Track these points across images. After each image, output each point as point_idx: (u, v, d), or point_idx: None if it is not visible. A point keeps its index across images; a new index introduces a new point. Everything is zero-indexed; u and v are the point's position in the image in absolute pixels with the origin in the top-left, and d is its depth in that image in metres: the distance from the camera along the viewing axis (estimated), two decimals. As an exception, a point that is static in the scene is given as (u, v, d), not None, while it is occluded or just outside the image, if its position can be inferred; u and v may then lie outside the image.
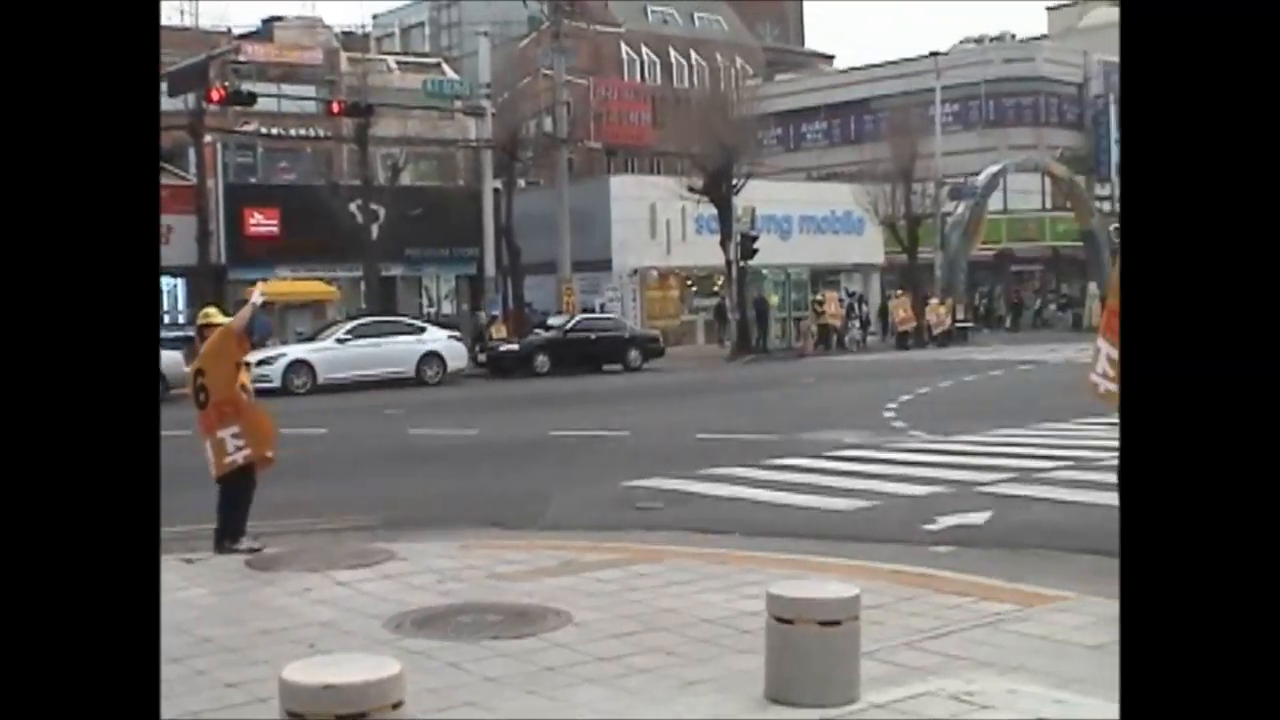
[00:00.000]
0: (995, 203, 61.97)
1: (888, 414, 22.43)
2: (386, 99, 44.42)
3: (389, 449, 19.59)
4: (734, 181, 45.90)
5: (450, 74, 56.57)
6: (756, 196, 47.94)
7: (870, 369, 37.65)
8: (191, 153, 41.40)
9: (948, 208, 56.65)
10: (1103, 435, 16.35)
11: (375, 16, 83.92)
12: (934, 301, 51.81)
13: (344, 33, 60.61)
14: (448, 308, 48.70)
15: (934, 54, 61.93)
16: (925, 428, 19.96)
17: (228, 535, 10.73)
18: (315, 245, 41.85)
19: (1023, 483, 13.91)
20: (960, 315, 54.08)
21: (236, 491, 10.79)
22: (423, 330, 36.63)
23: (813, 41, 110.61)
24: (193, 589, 9.33)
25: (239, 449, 10.68)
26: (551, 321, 41.89)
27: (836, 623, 5.99)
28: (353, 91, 44.33)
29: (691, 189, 46.25)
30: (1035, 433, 18.70)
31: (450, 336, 37.10)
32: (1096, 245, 57.23)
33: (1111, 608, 7.77)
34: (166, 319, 40.07)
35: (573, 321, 40.98)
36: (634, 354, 40.50)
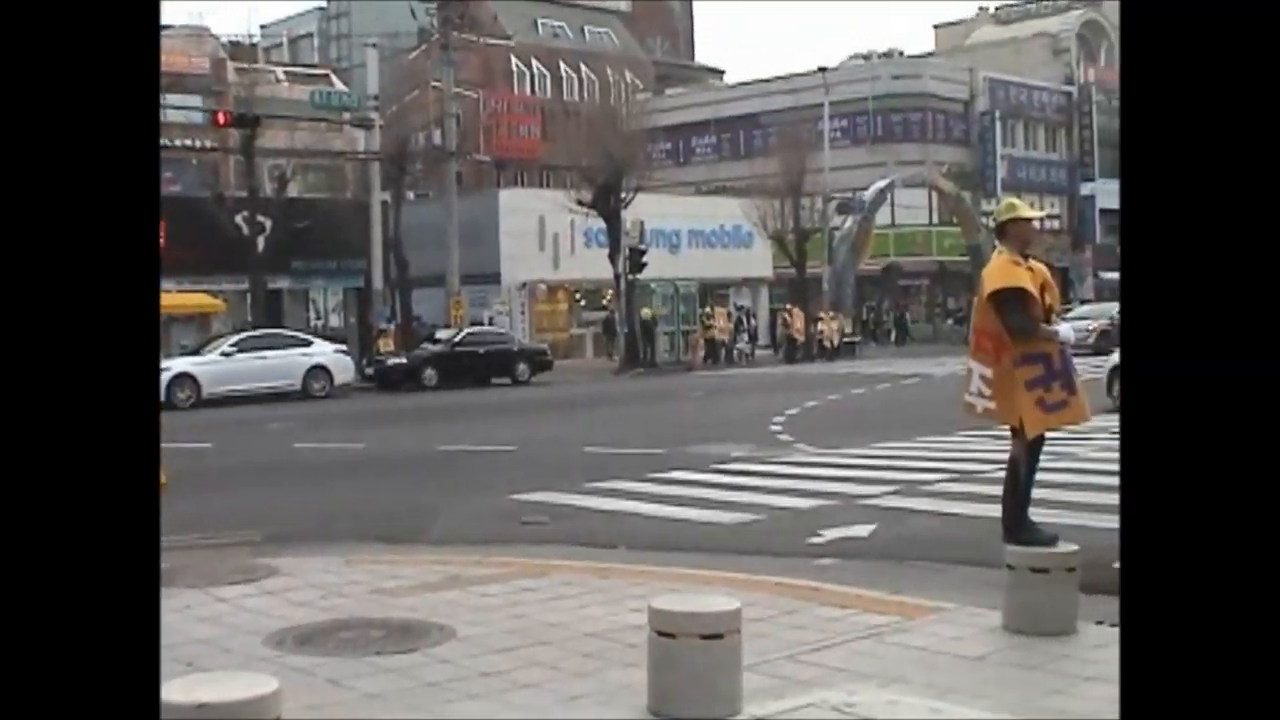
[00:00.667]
0: (883, 217, 62.71)
1: (774, 427, 22.55)
2: (274, 110, 44.01)
3: (274, 463, 19.41)
4: (623, 195, 46.02)
5: (338, 85, 56.25)
6: (646, 210, 48.11)
7: (758, 382, 37.85)
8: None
9: (836, 222, 57.21)
10: (984, 448, 16.56)
11: (263, 26, 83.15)
12: (822, 315, 52.21)
13: (231, 42, 60.06)
14: (335, 321, 48.36)
15: (822, 70, 62.59)
16: (811, 441, 20.09)
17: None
18: (200, 257, 41.29)
19: (906, 495, 14.03)
20: (848, 329, 54.54)
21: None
22: (309, 343, 36.37)
23: (703, 56, 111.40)
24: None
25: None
26: (440, 335, 41.76)
27: (719, 636, 6.00)
28: (239, 102, 43.94)
29: (580, 202, 46.29)
30: (919, 446, 18.88)
31: (337, 350, 36.88)
32: (982, 260, 57.76)
33: (991, 618, 7.87)
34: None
35: (461, 335, 40.87)
36: (522, 367, 40.46)
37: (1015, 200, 9.07)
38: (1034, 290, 8.21)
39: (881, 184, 58.70)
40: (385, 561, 10.85)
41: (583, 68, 79.82)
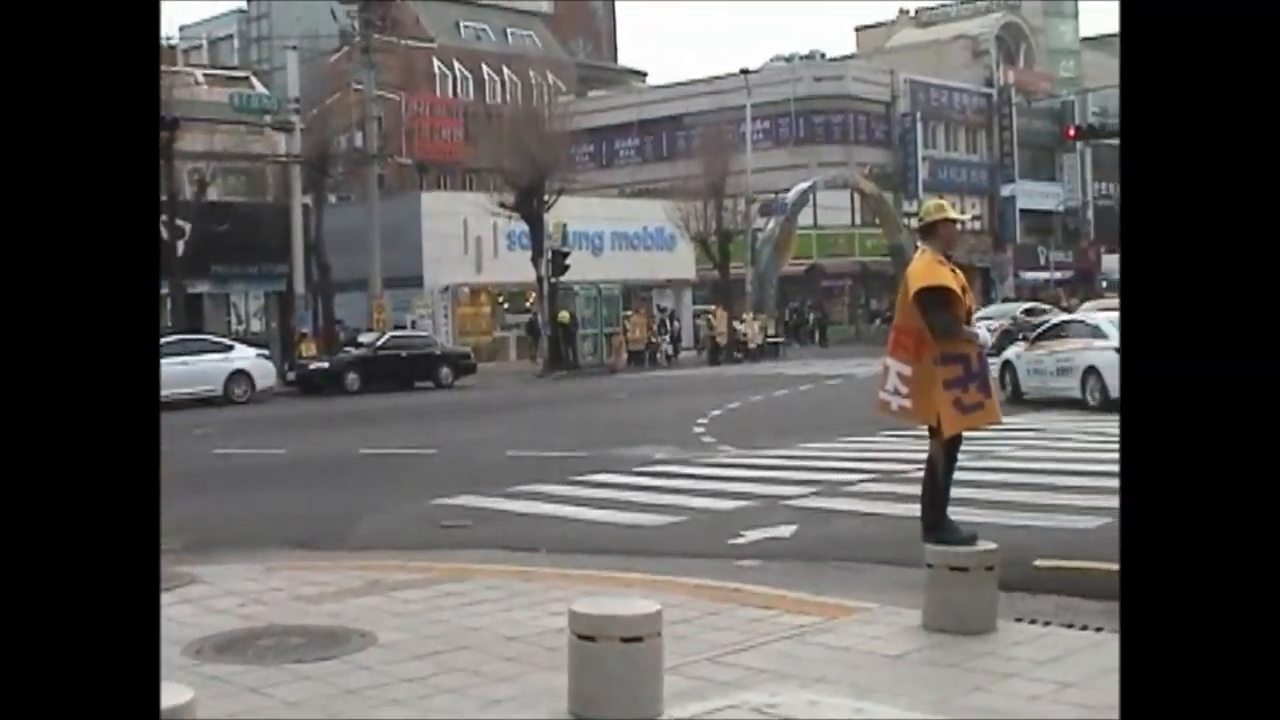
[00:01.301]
0: (805, 218, 63.01)
1: (698, 429, 22.59)
2: (193, 112, 43.51)
3: (194, 469, 19.21)
4: (546, 197, 45.97)
5: (259, 88, 55.72)
6: (568, 212, 48.10)
7: (682, 384, 37.91)
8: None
9: (759, 224, 57.43)
10: (906, 448, 16.64)
11: (182, 28, 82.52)
12: (745, 317, 52.34)
13: (149, 45, 59.37)
14: (257, 325, 47.97)
15: (745, 71, 62.78)
16: (734, 442, 20.14)
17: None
18: (119, 261, 40.82)
19: (828, 496, 14.09)
20: (771, 330, 54.71)
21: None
22: (230, 348, 36.07)
23: (626, 58, 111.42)
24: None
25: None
26: (362, 339, 41.54)
27: (638, 639, 5.99)
28: (158, 105, 43.47)
29: (503, 205, 46.19)
30: (841, 446, 18.97)
31: (259, 354, 36.61)
32: (904, 260, 58.07)
33: (912, 617, 7.91)
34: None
35: (384, 339, 40.68)
36: (445, 371, 40.32)
37: (942, 202, 9.16)
38: (959, 290, 8.28)
39: (804, 185, 58.99)
40: (306, 567, 10.78)
41: (505, 70, 79.68)
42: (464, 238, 50.87)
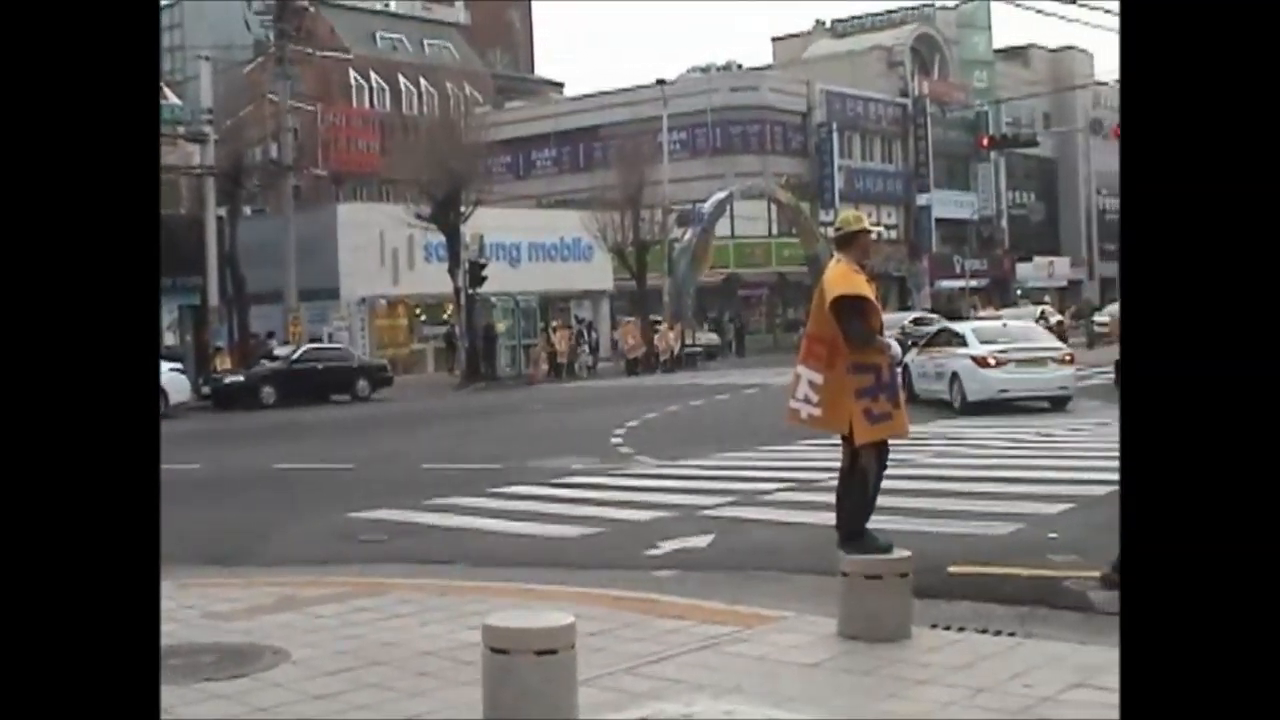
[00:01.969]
0: (722, 229, 63.10)
1: (615, 440, 22.58)
2: (104, 124, 43.11)
3: (106, 485, 18.99)
4: (463, 209, 45.88)
5: (172, 98, 55.19)
6: (485, 224, 48.01)
7: (599, 395, 37.89)
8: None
9: (675, 234, 57.49)
10: (822, 457, 16.69)
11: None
12: (663, 327, 52.39)
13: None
14: (170, 339, 47.46)
15: (661, 82, 62.91)
16: (651, 453, 20.15)
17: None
18: (29, 274, 40.35)
19: (745, 505, 14.12)
20: (689, 340, 54.81)
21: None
22: (144, 362, 35.64)
23: (543, 69, 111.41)
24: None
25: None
26: (277, 352, 41.23)
27: (552, 651, 5.96)
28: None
29: (420, 216, 46.03)
30: (758, 455, 19.03)
31: (172, 368, 36.16)
32: (821, 270, 58.20)
33: (827, 625, 7.93)
34: None
35: (300, 352, 40.41)
36: (362, 383, 40.10)
37: (860, 214, 9.26)
38: (875, 300, 8.35)
39: (720, 195, 59.09)
40: (218, 584, 10.65)
41: (422, 81, 79.50)
42: (381, 249, 50.67)
